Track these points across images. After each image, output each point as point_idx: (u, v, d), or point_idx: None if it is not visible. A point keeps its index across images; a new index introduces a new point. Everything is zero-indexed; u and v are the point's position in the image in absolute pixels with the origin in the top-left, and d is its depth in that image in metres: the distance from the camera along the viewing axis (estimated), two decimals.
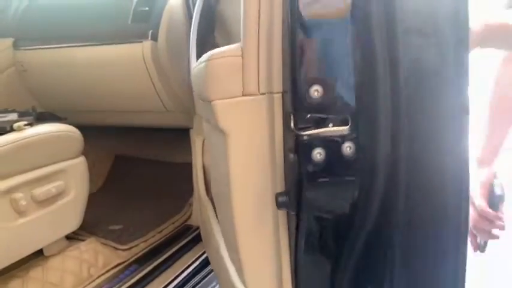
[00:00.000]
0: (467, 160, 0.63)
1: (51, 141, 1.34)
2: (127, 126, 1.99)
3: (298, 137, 0.64)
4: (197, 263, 1.66)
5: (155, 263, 1.55)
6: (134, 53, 1.64)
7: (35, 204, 1.27)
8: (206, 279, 1.62)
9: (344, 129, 0.62)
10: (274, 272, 0.81)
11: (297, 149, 0.65)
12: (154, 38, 1.61)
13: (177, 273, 1.58)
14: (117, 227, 1.70)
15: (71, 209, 1.40)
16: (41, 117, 1.43)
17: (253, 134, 0.72)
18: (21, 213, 1.23)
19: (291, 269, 0.79)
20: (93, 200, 1.59)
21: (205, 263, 1.67)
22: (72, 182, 1.40)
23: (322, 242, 0.73)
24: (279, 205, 0.71)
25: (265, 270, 0.81)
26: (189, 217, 1.86)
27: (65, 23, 1.78)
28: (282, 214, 0.76)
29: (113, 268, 1.48)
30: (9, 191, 1.21)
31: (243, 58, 0.69)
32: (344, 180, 0.65)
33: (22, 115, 1.38)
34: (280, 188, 0.74)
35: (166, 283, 1.51)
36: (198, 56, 1.06)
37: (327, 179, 0.65)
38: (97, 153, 2.15)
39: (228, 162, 0.74)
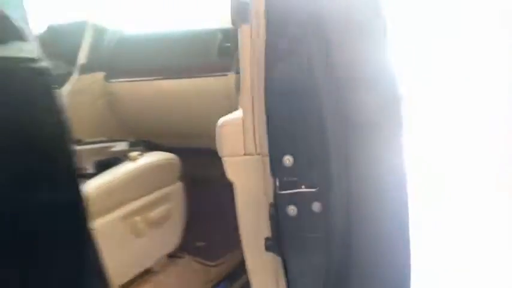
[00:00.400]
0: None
1: (158, 168, 1.49)
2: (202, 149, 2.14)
3: (276, 194, 0.79)
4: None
5: (245, 280, 1.67)
6: (219, 85, 1.79)
7: (148, 226, 1.42)
8: None
9: (313, 191, 0.77)
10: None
11: (275, 203, 0.80)
12: (239, 71, 1.76)
13: None
14: (202, 243, 1.84)
15: (174, 229, 1.55)
16: (147, 148, 1.58)
17: (251, 186, 0.88)
18: (138, 234, 1.38)
19: None
20: None
21: None
22: (175, 204, 1.54)
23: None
24: (266, 248, 0.85)
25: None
26: None
27: (153, 57, 1.95)
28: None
29: (207, 283, 1.62)
30: (129, 215, 1.36)
31: (243, 125, 0.86)
32: (313, 234, 0.79)
33: (132, 145, 1.54)
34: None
35: None
36: None
37: (300, 232, 0.80)
38: None
39: (237, 205, 0.91)
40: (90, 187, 1.28)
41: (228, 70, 1.77)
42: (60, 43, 2.15)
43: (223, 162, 0.89)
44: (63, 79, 2.07)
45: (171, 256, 1.62)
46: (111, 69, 2.02)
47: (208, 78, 1.81)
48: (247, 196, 0.89)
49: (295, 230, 0.80)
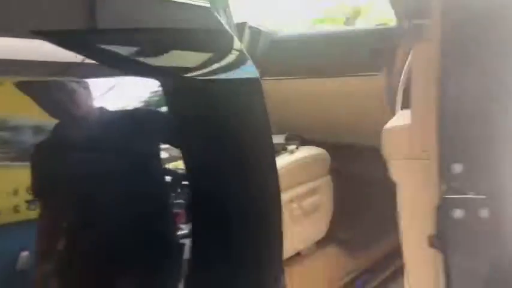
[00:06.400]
0: None
1: (312, 162, 1.62)
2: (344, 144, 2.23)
3: (445, 200, 0.81)
4: None
5: (385, 275, 1.73)
6: (369, 84, 1.85)
7: (303, 213, 1.56)
8: None
9: (481, 198, 0.78)
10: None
11: (445, 207, 0.82)
12: (389, 72, 1.80)
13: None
14: (346, 237, 1.93)
15: (322, 219, 1.67)
16: (302, 141, 1.72)
17: (414, 187, 0.93)
18: (294, 220, 1.53)
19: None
20: None
21: None
22: (324, 196, 1.66)
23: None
24: (430, 245, 0.89)
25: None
26: None
27: (305, 58, 2.08)
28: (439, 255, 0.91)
29: (350, 273, 1.71)
30: (289, 201, 1.51)
31: (411, 129, 0.91)
32: (479, 239, 0.82)
33: (288, 139, 1.69)
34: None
35: None
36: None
37: (465, 235, 0.83)
38: None
39: (400, 204, 0.98)
40: None
41: (379, 70, 1.83)
42: None
43: (387, 163, 0.96)
44: None
45: (319, 244, 1.74)
46: (265, 68, 2.21)
47: (359, 78, 1.88)
48: (409, 196, 0.97)
49: (461, 232, 0.85)
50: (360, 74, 1.88)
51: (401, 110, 1.30)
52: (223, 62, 0.85)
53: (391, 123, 0.99)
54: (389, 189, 2.19)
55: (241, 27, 2.31)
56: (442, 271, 0.92)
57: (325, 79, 1.97)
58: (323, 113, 2.06)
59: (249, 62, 0.85)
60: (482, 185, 0.82)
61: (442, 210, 0.85)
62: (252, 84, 0.86)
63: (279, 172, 1.47)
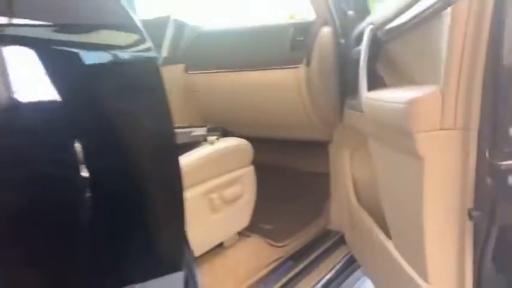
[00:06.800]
0: None
1: (234, 152, 1.63)
2: (267, 138, 2.27)
3: (497, 166, 0.81)
4: (341, 263, 1.86)
5: (307, 261, 1.78)
6: (290, 76, 1.90)
7: (224, 203, 1.56)
8: (351, 277, 1.81)
9: None
10: (456, 274, 0.97)
11: (495, 175, 0.81)
12: (308, 63, 1.86)
13: (325, 273, 1.79)
14: (268, 227, 1.96)
15: (244, 208, 1.69)
16: (222, 134, 1.72)
17: (447, 161, 0.90)
18: (214, 210, 1.53)
19: (474, 272, 0.95)
20: None
21: (348, 264, 1.87)
22: (246, 186, 1.68)
23: (506, 254, 0.89)
24: (473, 218, 0.88)
25: (449, 271, 0.97)
26: (328, 222, 2.07)
27: (229, 51, 2.10)
28: (468, 226, 0.93)
29: (273, 262, 1.74)
30: (208, 191, 1.51)
31: (442, 98, 0.86)
32: None
33: (209, 130, 1.69)
34: (469, 205, 0.90)
35: (317, 280, 1.73)
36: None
37: None
38: None
39: (422, 182, 0.92)
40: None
41: (299, 63, 1.88)
42: None
43: (413, 139, 0.88)
44: None
45: (241, 234, 1.75)
46: (190, 62, 2.20)
47: (280, 70, 1.92)
48: (439, 170, 0.91)
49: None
50: (281, 66, 1.91)
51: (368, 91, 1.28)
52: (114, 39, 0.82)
53: (415, 95, 0.90)
54: (310, 181, 2.29)
55: (164, 20, 2.28)
56: (472, 245, 0.92)
57: (248, 72, 1.99)
58: (247, 106, 2.08)
59: (147, 42, 0.82)
60: None
61: (495, 178, 0.82)
62: (148, 66, 0.83)
63: (198, 162, 1.48)
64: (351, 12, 1.82)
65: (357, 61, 1.46)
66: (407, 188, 1.02)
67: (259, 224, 1.95)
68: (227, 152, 1.60)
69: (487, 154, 0.82)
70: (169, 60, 2.22)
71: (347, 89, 1.75)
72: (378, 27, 1.38)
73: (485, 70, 0.83)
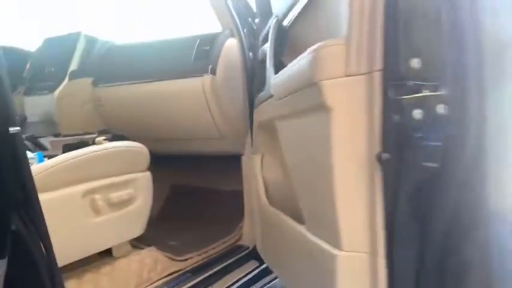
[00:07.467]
0: None
1: (124, 154, 1.55)
2: (183, 156, 2.21)
3: (401, 101, 0.78)
4: (248, 277, 1.76)
5: (208, 273, 1.68)
6: (195, 85, 1.88)
7: (109, 206, 1.46)
8: None
9: (440, 94, 0.77)
10: (368, 228, 0.89)
11: (400, 111, 0.79)
12: (214, 72, 1.85)
13: (228, 285, 1.69)
14: (174, 243, 1.85)
15: (137, 216, 1.58)
16: (115, 137, 1.65)
17: (354, 109, 0.86)
18: (97, 212, 1.43)
19: (385, 223, 0.87)
20: (151, 223, 1.71)
21: (256, 278, 1.77)
22: (139, 192, 1.59)
23: (416, 195, 0.83)
24: (381, 162, 0.83)
25: (360, 228, 0.89)
26: (240, 238, 1.98)
27: (137, 64, 2.07)
28: (378, 175, 0.86)
29: (170, 274, 1.62)
30: (90, 192, 1.41)
31: (346, 46, 0.85)
32: (439, 135, 0.78)
33: (100, 133, 1.61)
34: (378, 149, 0.85)
35: None
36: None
37: (425, 135, 0.78)
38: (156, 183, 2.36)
39: (330, 138, 0.88)
40: (51, 162, 1.35)
41: (205, 71, 1.86)
42: (55, 53, 2.31)
43: (319, 87, 0.87)
44: (56, 84, 2.21)
45: (135, 247, 1.64)
46: (99, 76, 2.15)
47: (186, 80, 1.90)
48: (346, 120, 0.87)
49: (420, 133, 0.79)
50: (186, 76, 1.90)
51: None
52: None
53: (321, 43, 0.88)
54: (226, 200, 2.23)
55: (76, 35, 2.25)
56: (382, 196, 0.86)
57: (152, 83, 1.96)
58: (155, 118, 2.04)
59: None
60: (441, 79, 0.78)
61: (400, 114, 0.79)
62: None
63: (76, 161, 1.39)
64: (257, 21, 1.85)
65: (264, 60, 1.46)
66: (316, 151, 0.98)
67: (162, 240, 1.85)
68: (115, 152, 1.51)
69: (391, 92, 0.80)
70: (78, 74, 2.17)
71: (255, 94, 1.72)
72: (282, 17, 1.39)
73: (385, 11, 0.82)
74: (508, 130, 0.77)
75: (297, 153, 1.19)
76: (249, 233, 1.95)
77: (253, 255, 1.87)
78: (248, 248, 1.91)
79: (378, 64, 0.83)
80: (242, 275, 1.78)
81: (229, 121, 1.94)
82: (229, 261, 1.80)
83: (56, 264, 0.96)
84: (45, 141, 1.73)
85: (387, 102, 0.81)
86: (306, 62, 0.92)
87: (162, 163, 2.17)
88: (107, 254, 1.54)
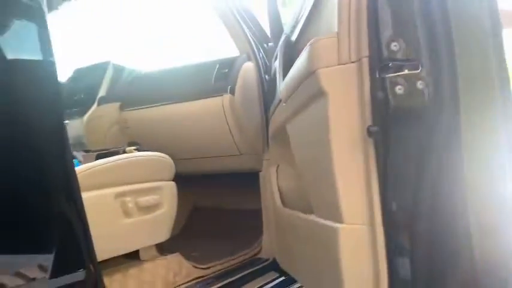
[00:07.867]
0: None
1: (151, 162, 1.67)
2: (204, 176, 2.32)
3: (385, 79, 0.91)
4: (267, 286, 1.82)
5: (229, 280, 1.74)
6: (216, 105, 2.02)
7: (138, 209, 1.56)
8: None
9: (417, 72, 0.90)
10: (366, 200, 0.98)
11: (385, 87, 0.91)
12: (232, 92, 2.00)
13: None
14: (196, 254, 1.92)
15: (163, 221, 1.67)
16: (143, 149, 1.78)
17: (347, 90, 0.98)
18: (127, 214, 1.52)
19: (380, 192, 0.96)
20: (174, 238, 1.80)
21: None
22: (165, 199, 1.69)
23: (407, 158, 0.94)
24: (371, 134, 0.94)
25: (359, 201, 0.98)
26: (260, 251, 2.05)
27: (161, 88, 2.24)
28: (371, 149, 0.97)
29: (193, 279, 1.69)
30: (121, 194, 1.51)
31: (338, 38, 0.98)
32: (419, 107, 0.90)
33: (130, 145, 1.74)
34: (369, 123, 0.97)
35: None
36: None
37: (407, 107, 0.91)
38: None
39: (328, 120, 1.00)
40: (86, 166, 1.47)
41: (224, 92, 2.01)
42: (85, 81, 2.50)
43: (316, 74, 0.99)
44: (85, 109, 2.38)
45: (162, 254, 1.72)
46: (125, 100, 2.31)
47: (206, 100, 2.04)
48: (339, 102, 0.99)
49: (404, 105, 0.91)
50: (207, 96, 2.04)
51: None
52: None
53: (318, 37, 1.03)
54: (238, 218, 2.31)
55: (105, 64, 2.43)
56: (376, 167, 0.96)
57: (175, 105, 2.12)
58: (178, 138, 2.17)
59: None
60: (420, 59, 0.91)
61: (385, 90, 0.91)
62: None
63: (110, 165, 1.51)
64: (270, 44, 2.02)
65: (275, 75, 1.58)
66: (317, 135, 1.08)
67: (185, 251, 1.92)
68: (143, 161, 1.64)
69: (377, 74, 0.93)
70: (106, 99, 2.33)
71: (269, 109, 1.84)
72: (290, 33, 1.53)
73: (368, 6, 0.95)
74: (477, 97, 0.91)
75: (303, 143, 1.30)
76: (268, 246, 2.02)
77: (273, 266, 1.92)
78: (268, 259, 1.97)
79: (365, 51, 0.96)
80: (262, 284, 1.83)
81: (247, 138, 2.06)
82: (249, 270, 1.86)
83: (96, 258, 1.04)
84: (77, 155, 1.86)
85: (374, 82, 0.94)
86: (304, 55, 1.05)
87: (183, 183, 2.28)
88: (134, 258, 1.62)
